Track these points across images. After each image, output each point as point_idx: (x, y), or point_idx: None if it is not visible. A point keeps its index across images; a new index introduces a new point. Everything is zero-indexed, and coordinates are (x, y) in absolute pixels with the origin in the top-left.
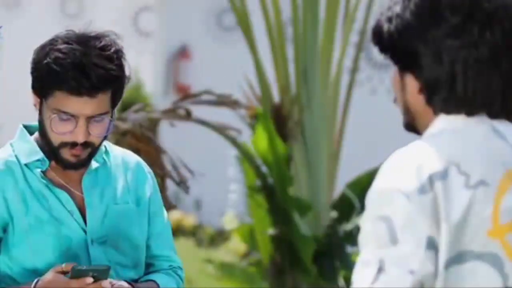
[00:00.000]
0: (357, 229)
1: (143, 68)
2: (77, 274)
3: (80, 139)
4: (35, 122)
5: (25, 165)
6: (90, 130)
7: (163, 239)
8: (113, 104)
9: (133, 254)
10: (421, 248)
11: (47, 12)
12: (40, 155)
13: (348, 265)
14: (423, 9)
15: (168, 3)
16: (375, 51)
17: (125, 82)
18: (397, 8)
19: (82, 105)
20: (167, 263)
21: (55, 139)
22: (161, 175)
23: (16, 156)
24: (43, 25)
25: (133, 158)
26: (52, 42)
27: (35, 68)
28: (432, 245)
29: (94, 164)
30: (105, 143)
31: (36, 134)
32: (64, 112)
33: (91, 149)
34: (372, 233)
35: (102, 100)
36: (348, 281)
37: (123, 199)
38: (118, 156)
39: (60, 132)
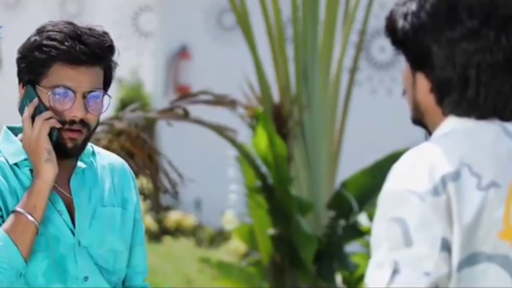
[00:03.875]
0: (354, 227)
1: (143, 68)
2: None
3: (79, 114)
4: (19, 124)
5: (14, 164)
6: (88, 107)
7: (144, 247)
8: (105, 84)
9: (116, 258)
10: (435, 250)
11: (47, 12)
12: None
13: (346, 265)
14: (439, 10)
15: (168, 3)
16: (375, 51)
17: (115, 63)
18: (413, 6)
19: (79, 77)
20: (142, 275)
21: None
22: (154, 177)
23: (4, 156)
24: None
25: (118, 160)
26: (39, 30)
27: (24, 56)
28: (446, 247)
29: (81, 165)
30: (92, 144)
31: (21, 135)
32: (62, 87)
33: (87, 132)
34: (385, 234)
35: (97, 73)
36: (346, 281)
37: (110, 202)
38: (104, 157)
39: (59, 109)
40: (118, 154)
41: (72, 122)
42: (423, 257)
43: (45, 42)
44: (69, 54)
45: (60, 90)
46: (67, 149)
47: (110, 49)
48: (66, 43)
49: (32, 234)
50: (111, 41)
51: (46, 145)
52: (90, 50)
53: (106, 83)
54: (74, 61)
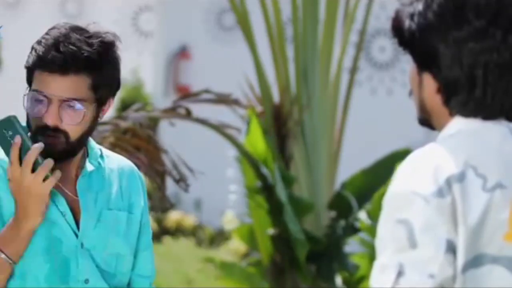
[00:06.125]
0: (354, 228)
1: (143, 68)
2: None
3: (50, 121)
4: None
5: None
6: (62, 116)
7: (150, 251)
8: (96, 95)
9: (119, 262)
10: (440, 252)
11: (47, 12)
12: None
13: (346, 266)
14: (446, 10)
15: (168, 3)
16: (375, 51)
17: (110, 74)
18: (419, 6)
19: (54, 84)
20: (148, 279)
21: (33, 124)
22: (161, 174)
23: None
24: (43, 25)
25: (127, 163)
26: (48, 31)
27: (28, 56)
28: (451, 248)
29: (89, 167)
30: (100, 147)
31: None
32: (38, 92)
33: (65, 139)
34: (390, 236)
35: (75, 82)
36: (346, 281)
37: (116, 205)
38: (114, 161)
39: (33, 114)
40: (125, 149)
41: (46, 128)
42: (428, 259)
43: (34, 45)
44: (42, 61)
45: (34, 95)
46: (46, 151)
47: (89, 60)
48: (43, 50)
49: (7, 274)
50: (99, 54)
51: (47, 192)
52: (62, 59)
53: (97, 92)
54: (47, 68)
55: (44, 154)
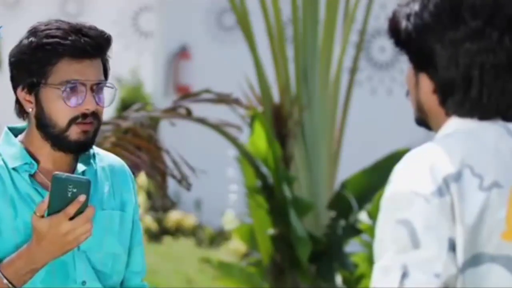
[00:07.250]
0: (354, 227)
1: (143, 68)
2: (56, 185)
3: (91, 107)
4: (19, 124)
5: (13, 169)
6: (97, 99)
7: (141, 248)
8: (105, 76)
9: (115, 262)
10: (443, 251)
11: (47, 12)
12: (28, 158)
13: (346, 265)
14: (442, 10)
15: (168, 3)
16: (375, 51)
17: (108, 54)
18: (416, 7)
19: (86, 70)
20: (140, 275)
21: (64, 119)
22: (162, 173)
23: (3, 160)
24: None
25: (117, 161)
26: (32, 31)
27: (21, 59)
28: (452, 247)
29: (80, 167)
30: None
31: (21, 136)
32: (73, 81)
33: (97, 124)
34: (391, 238)
35: (99, 65)
36: (346, 281)
37: (109, 205)
38: (104, 159)
39: (72, 105)
40: (127, 149)
41: (85, 115)
42: (432, 259)
43: (45, 40)
44: (75, 48)
45: (71, 85)
46: (81, 143)
47: (110, 39)
48: (70, 38)
49: None
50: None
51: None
52: (95, 42)
53: (106, 73)
54: (81, 54)
55: (80, 144)
